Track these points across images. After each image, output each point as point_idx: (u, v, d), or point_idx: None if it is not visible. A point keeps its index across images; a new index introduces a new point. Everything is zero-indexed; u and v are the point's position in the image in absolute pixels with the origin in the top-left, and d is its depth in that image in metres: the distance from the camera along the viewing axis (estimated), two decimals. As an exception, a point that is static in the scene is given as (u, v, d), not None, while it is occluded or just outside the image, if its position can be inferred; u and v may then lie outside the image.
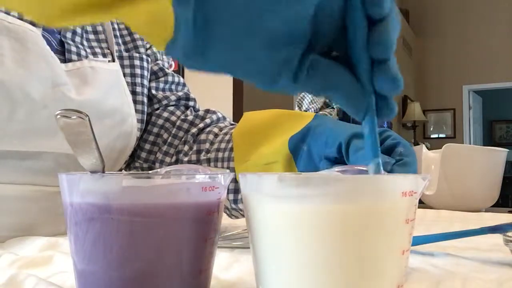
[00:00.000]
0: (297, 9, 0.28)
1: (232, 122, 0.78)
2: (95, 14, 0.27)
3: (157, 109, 0.76)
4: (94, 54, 0.68)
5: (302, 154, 0.58)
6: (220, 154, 0.69)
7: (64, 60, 0.63)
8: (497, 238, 0.51)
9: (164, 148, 0.74)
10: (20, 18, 0.57)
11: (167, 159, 0.73)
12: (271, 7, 0.27)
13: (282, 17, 0.28)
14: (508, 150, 1.21)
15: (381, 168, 0.32)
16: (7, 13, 0.56)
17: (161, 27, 0.27)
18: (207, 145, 0.71)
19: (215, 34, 0.27)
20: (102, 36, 0.72)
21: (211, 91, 2.94)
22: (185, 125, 0.75)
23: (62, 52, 0.64)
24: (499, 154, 1.15)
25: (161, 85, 0.78)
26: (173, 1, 0.26)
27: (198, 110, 0.79)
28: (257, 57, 0.29)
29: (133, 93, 0.72)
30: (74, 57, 0.65)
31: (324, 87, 0.31)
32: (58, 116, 0.30)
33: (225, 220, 0.68)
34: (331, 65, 0.31)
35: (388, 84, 0.31)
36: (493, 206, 1.18)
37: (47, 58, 0.58)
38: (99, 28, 0.72)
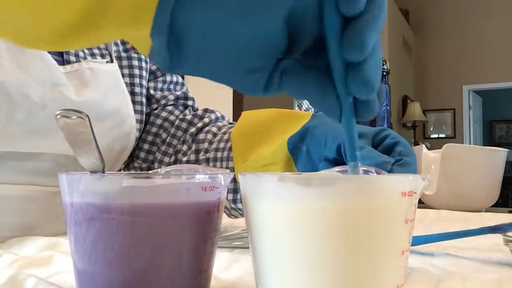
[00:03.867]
0: (264, 23, 0.28)
1: (231, 121, 0.78)
2: (75, 38, 0.28)
3: (156, 109, 0.76)
4: (93, 55, 0.68)
5: (301, 155, 0.57)
6: (219, 154, 0.69)
7: (63, 62, 0.63)
8: (497, 238, 0.51)
9: (163, 148, 0.74)
10: None
11: (166, 159, 0.73)
12: (237, 25, 0.28)
13: (249, 34, 0.28)
14: (508, 150, 1.21)
15: (359, 171, 0.32)
16: None
17: (141, 47, 0.29)
18: (205, 145, 0.71)
19: (186, 55, 0.29)
20: None
21: (211, 90, 2.94)
22: (184, 125, 0.75)
23: (61, 53, 0.64)
24: (499, 154, 1.15)
25: (160, 85, 0.78)
26: (151, 32, 0.28)
27: (197, 110, 0.79)
28: (227, 70, 0.30)
29: (132, 93, 0.72)
30: (72, 58, 0.65)
31: (297, 94, 0.31)
32: (58, 116, 0.30)
33: (225, 220, 0.68)
34: (304, 72, 0.31)
35: (359, 88, 0.30)
36: (493, 206, 1.18)
37: (44, 59, 0.58)
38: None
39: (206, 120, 0.75)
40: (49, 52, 0.60)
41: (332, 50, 0.30)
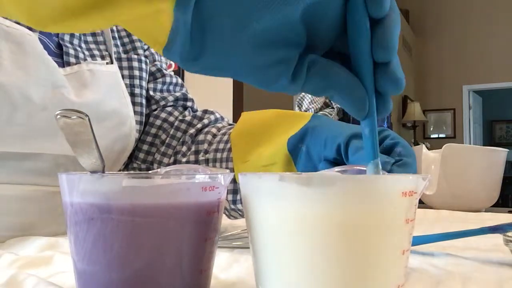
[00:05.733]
0: (285, 12, 0.28)
1: (231, 122, 0.78)
2: (89, 16, 0.26)
3: (155, 110, 0.76)
4: (92, 56, 0.68)
5: (301, 155, 0.57)
6: (218, 155, 0.69)
7: (62, 64, 0.63)
8: (497, 238, 0.51)
9: (162, 149, 0.74)
10: (17, 22, 0.58)
11: (165, 160, 0.73)
12: (259, 11, 0.27)
13: (272, 20, 0.28)
14: (508, 150, 1.21)
15: (380, 169, 0.32)
16: (5, 17, 0.57)
17: (158, 31, 0.27)
18: (205, 146, 0.71)
19: (211, 39, 0.27)
20: (100, 38, 0.72)
21: (211, 91, 2.94)
22: (183, 126, 0.75)
23: (60, 55, 0.64)
24: (499, 154, 1.15)
25: (159, 86, 0.78)
26: (175, 5, 0.26)
27: (196, 111, 0.79)
28: (252, 60, 0.29)
29: (132, 94, 0.72)
30: (72, 59, 0.65)
31: (324, 88, 0.31)
32: (58, 116, 0.30)
33: (225, 220, 0.68)
34: (331, 65, 0.31)
35: (391, 86, 0.31)
36: (493, 206, 1.18)
37: (45, 61, 0.58)
38: (97, 30, 0.72)
39: (206, 121, 0.75)
40: (49, 54, 0.60)
41: (359, 50, 0.31)
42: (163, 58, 0.82)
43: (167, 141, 0.74)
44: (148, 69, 0.77)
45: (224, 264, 0.46)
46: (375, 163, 0.32)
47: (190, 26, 0.27)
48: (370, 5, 0.30)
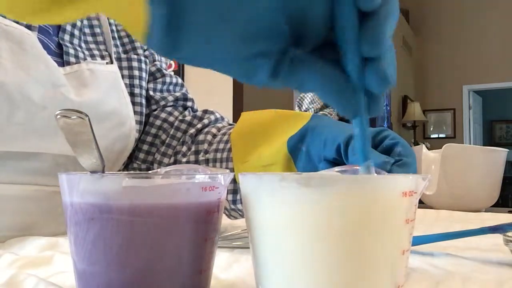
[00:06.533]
0: (264, 3, 0.27)
1: (231, 122, 0.78)
2: (61, 7, 0.26)
3: (155, 110, 0.76)
4: (92, 56, 0.68)
5: (301, 155, 0.57)
6: (218, 155, 0.69)
7: (62, 63, 0.63)
8: (497, 238, 0.51)
9: (162, 149, 0.74)
10: (16, 21, 0.58)
11: (165, 160, 0.73)
12: (237, 3, 0.26)
13: (252, 11, 0.27)
14: (508, 150, 1.21)
15: (373, 171, 0.31)
16: (3, 16, 0.57)
17: (136, 23, 0.27)
18: (205, 146, 0.71)
19: (187, 32, 0.27)
20: (100, 38, 0.72)
21: (211, 91, 2.94)
22: (183, 126, 0.75)
23: (60, 54, 0.64)
24: (499, 154, 1.15)
25: (159, 86, 0.78)
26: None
27: (196, 111, 0.79)
28: (231, 51, 0.28)
29: (132, 94, 0.72)
30: (72, 59, 0.65)
31: (309, 84, 0.30)
32: (58, 116, 0.30)
33: (225, 220, 0.68)
34: (315, 61, 0.29)
35: (377, 83, 0.30)
36: (493, 206, 1.18)
37: (45, 60, 0.58)
38: (97, 30, 0.72)
39: (206, 121, 0.75)
40: (49, 54, 0.60)
41: (348, 45, 0.29)
42: (163, 58, 0.82)
43: (167, 141, 0.74)
44: (148, 69, 0.77)
45: (224, 264, 0.46)
46: (366, 166, 0.31)
47: (165, 18, 0.26)
48: None
